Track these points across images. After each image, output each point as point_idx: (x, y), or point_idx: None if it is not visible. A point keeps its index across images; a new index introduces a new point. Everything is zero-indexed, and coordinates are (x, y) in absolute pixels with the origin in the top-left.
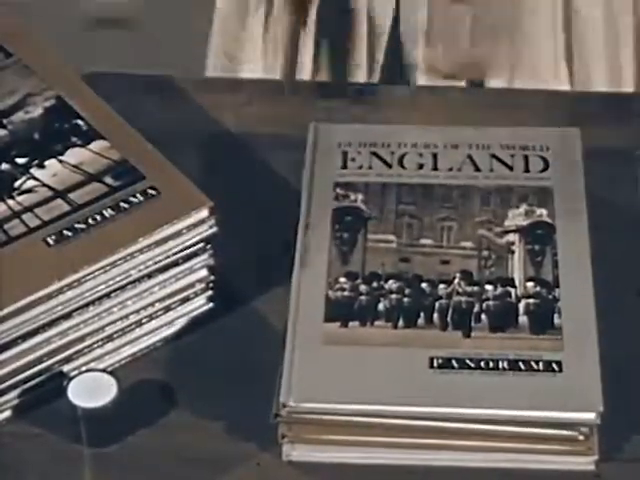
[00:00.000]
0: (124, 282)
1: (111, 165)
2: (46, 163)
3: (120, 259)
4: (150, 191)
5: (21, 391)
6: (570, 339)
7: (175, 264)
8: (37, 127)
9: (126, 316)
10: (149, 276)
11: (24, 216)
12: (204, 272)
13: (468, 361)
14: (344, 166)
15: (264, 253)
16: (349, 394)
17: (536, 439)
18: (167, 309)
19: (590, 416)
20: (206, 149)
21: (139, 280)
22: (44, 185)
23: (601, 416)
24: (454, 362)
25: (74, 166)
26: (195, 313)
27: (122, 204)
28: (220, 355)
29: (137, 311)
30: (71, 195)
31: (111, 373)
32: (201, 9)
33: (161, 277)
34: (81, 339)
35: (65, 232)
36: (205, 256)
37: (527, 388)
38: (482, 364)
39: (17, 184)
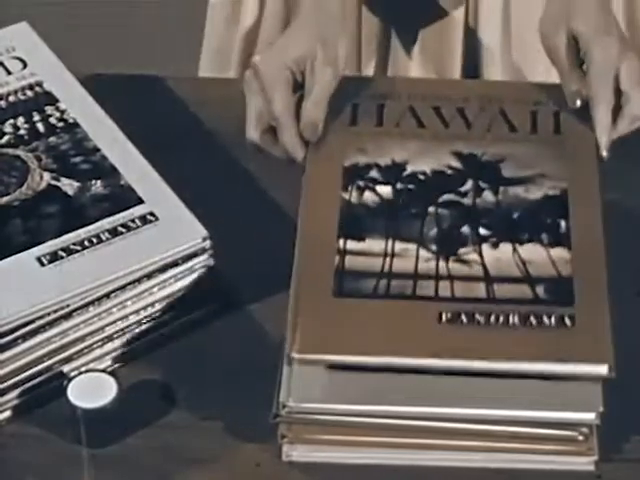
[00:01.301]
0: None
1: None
2: None
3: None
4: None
5: (21, 391)
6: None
7: (175, 265)
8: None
9: (126, 316)
10: (149, 277)
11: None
12: (204, 272)
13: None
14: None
15: (264, 253)
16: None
17: (536, 439)
18: (167, 309)
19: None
20: (203, 148)
21: (139, 281)
22: None
23: (602, 414)
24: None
25: None
26: (194, 313)
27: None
28: (220, 355)
29: (137, 311)
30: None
31: (111, 373)
32: (195, 9)
33: (161, 278)
34: (81, 339)
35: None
36: (205, 256)
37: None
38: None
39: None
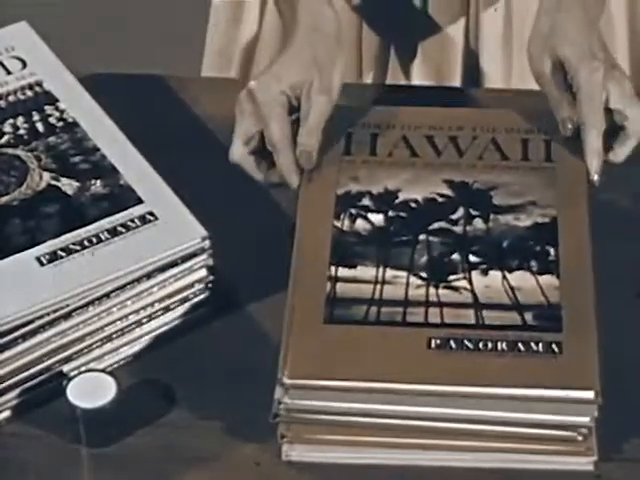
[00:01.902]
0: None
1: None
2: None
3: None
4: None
5: (21, 391)
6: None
7: (174, 264)
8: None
9: (125, 316)
10: (148, 276)
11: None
12: (203, 272)
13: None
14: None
15: (263, 253)
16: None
17: (535, 440)
18: (166, 309)
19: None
20: (204, 148)
21: (138, 280)
22: None
23: (601, 414)
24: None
25: None
26: (194, 313)
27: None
28: (219, 355)
29: (136, 311)
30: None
31: (110, 373)
32: (197, 8)
33: (160, 277)
34: (81, 339)
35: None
36: (204, 256)
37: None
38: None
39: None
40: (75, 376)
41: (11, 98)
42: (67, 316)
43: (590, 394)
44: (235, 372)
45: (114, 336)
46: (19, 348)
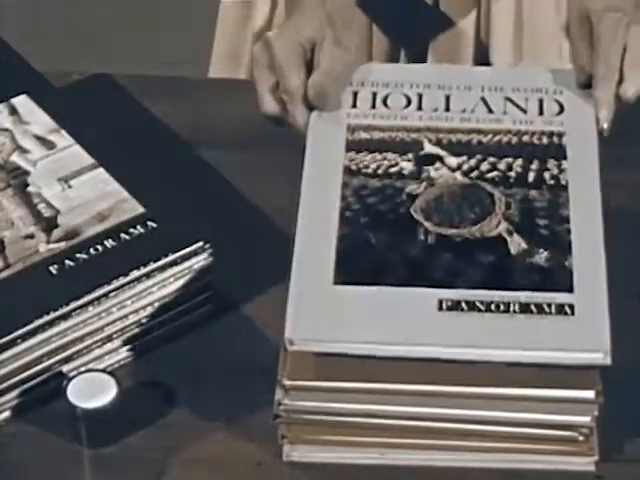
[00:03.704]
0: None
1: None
2: None
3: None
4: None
5: (21, 391)
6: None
7: (174, 264)
8: None
9: (125, 316)
10: (148, 276)
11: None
12: (203, 271)
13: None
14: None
15: (263, 253)
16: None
17: (536, 440)
18: (166, 309)
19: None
20: (208, 148)
21: (138, 280)
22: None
23: (601, 414)
24: (463, 304)
25: None
26: (194, 313)
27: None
28: (220, 355)
29: (136, 311)
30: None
31: (111, 373)
32: (205, 9)
33: (160, 277)
34: (80, 339)
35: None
36: (204, 255)
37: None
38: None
39: None
40: (75, 376)
41: (526, 138)
42: (67, 316)
43: (591, 394)
44: (235, 372)
45: (114, 336)
46: (19, 348)
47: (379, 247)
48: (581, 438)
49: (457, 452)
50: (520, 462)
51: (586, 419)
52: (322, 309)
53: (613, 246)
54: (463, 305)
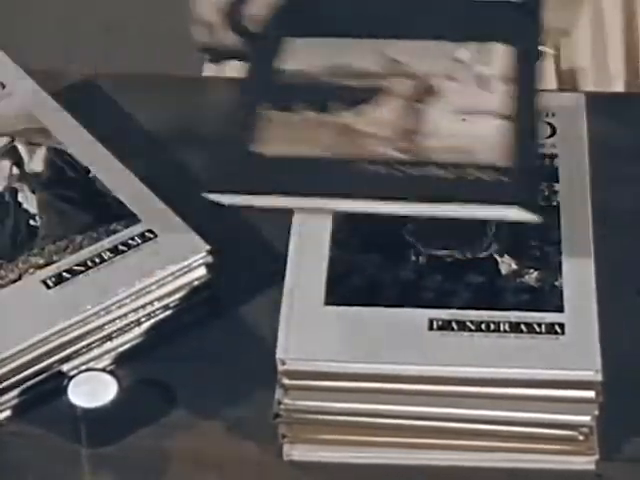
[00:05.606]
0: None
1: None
2: None
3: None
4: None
5: (21, 390)
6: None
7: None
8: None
9: (124, 315)
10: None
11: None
12: (202, 271)
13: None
14: None
15: (262, 253)
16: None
17: (536, 439)
18: (166, 308)
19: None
20: (205, 147)
21: (137, 280)
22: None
23: (601, 414)
24: (454, 324)
25: None
26: (194, 312)
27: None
28: (219, 355)
29: (135, 310)
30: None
31: (111, 372)
32: None
33: (159, 276)
34: (80, 338)
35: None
36: (203, 254)
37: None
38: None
39: None
40: (75, 375)
41: None
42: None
43: (591, 393)
44: (235, 372)
45: (113, 335)
46: (19, 347)
47: (370, 268)
48: (581, 437)
49: (457, 451)
50: (520, 461)
51: (586, 418)
52: (313, 329)
53: (613, 241)
54: (454, 325)
